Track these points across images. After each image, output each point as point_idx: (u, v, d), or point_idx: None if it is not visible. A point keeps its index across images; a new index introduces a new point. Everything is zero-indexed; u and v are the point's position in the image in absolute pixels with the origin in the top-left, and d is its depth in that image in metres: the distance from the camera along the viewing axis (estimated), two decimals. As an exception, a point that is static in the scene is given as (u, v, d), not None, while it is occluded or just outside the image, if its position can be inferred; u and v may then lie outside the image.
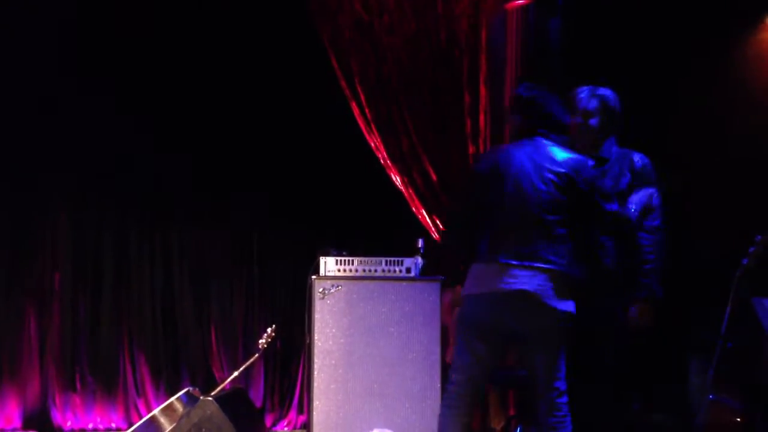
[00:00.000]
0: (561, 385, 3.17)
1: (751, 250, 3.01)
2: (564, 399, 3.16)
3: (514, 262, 3.17)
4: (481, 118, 5.49)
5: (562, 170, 3.21)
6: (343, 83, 5.52)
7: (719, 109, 4.49)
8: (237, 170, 5.62)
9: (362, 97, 5.51)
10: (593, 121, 3.63)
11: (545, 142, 3.30)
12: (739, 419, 2.75)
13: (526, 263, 3.15)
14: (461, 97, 5.51)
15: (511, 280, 3.15)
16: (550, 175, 3.20)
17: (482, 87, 5.50)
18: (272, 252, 5.70)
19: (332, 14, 5.56)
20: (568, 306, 3.15)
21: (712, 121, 4.38)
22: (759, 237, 3.03)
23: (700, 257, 4.16)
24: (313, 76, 5.60)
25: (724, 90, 4.62)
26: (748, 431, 2.81)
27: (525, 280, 3.14)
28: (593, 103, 3.63)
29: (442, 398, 3.42)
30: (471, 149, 5.49)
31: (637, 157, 3.64)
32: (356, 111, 5.51)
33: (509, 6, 5.38)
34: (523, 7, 5.30)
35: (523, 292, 3.13)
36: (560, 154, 3.26)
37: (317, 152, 5.63)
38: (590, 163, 3.35)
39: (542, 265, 3.14)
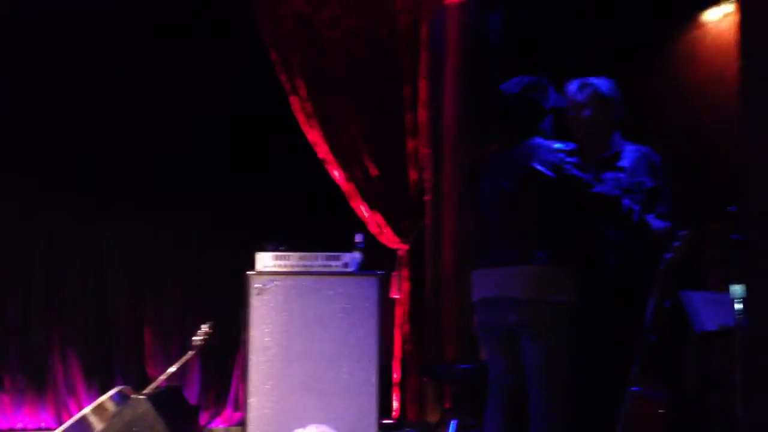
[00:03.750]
0: None
1: (675, 244, 3.06)
2: None
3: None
4: (421, 112, 5.49)
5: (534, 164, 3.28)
6: (282, 77, 5.47)
7: (652, 105, 4.56)
8: (173, 165, 5.53)
9: (302, 91, 5.46)
10: (586, 113, 3.61)
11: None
12: (661, 411, 2.79)
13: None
14: (401, 91, 5.51)
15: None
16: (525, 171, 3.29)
17: (422, 81, 5.50)
18: (209, 248, 5.63)
19: (272, 7, 5.51)
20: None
21: (645, 117, 4.43)
22: (682, 232, 3.08)
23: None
24: (252, 69, 5.53)
25: (657, 87, 4.68)
26: (670, 422, 2.86)
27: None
28: (583, 94, 3.61)
29: None
30: (411, 144, 5.49)
31: (653, 154, 3.61)
32: (296, 105, 5.46)
33: (449, 1, 5.38)
34: (462, 3, 5.31)
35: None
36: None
37: (255, 146, 5.57)
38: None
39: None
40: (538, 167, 3.27)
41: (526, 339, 3.25)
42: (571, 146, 3.34)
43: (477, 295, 3.43)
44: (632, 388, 2.84)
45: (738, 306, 2.69)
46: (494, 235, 3.36)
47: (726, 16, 4.41)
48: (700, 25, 4.63)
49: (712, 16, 4.57)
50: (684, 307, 3.51)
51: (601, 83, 3.62)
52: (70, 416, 5.00)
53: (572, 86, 3.63)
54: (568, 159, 3.29)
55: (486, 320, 3.40)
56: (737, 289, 2.72)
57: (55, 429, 4.70)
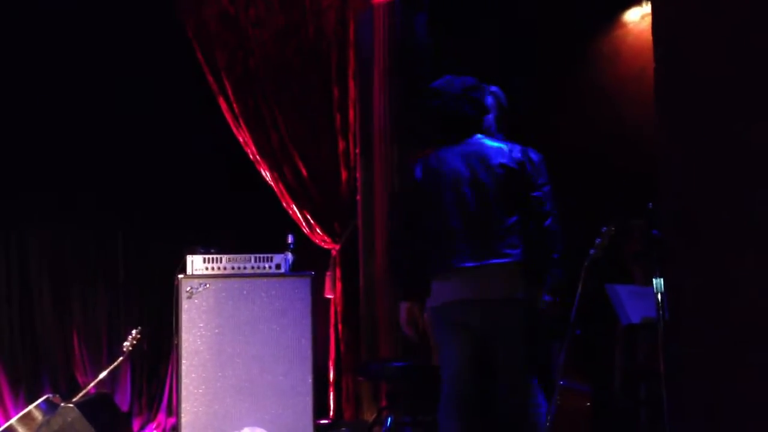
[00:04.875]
0: None
1: (598, 240, 3.13)
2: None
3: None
4: (351, 112, 5.50)
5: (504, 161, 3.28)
6: (209, 77, 5.42)
7: (575, 103, 4.66)
8: (100, 167, 5.43)
9: (229, 92, 5.43)
10: (489, 117, 3.68)
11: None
12: (588, 404, 2.85)
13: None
14: (330, 91, 5.51)
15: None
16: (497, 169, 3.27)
17: (351, 81, 5.51)
18: (138, 251, 5.55)
19: (197, 6, 5.45)
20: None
21: (568, 116, 4.53)
22: (604, 228, 3.15)
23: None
24: (178, 69, 5.47)
25: (580, 85, 4.78)
26: (597, 415, 2.93)
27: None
28: (489, 100, 3.68)
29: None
30: (341, 144, 5.49)
31: (533, 153, 3.68)
32: (224, 105, 5.43)
33: (376, 1, 5.40)
34: (389, 3, 5.33)
35: None
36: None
37: (185, 148, 5.51)
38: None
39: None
40: (507, 163, 3.28)
41: (501, 338, 3.20)
42: (514, 144, 3.39)
43: (449, 297, 3.29)
44: (559, 382, 2.90)
45: (659, 298, 2.78)
46: (461, 235, 3.26)
47: (645, 16, 4.55)
48: (622, 26, 4.76)
49: (632, 16, 4.70)
50: (610, 301, 3.61)
51: (500, 91, 3.74)
52: (-3, 427, 4.89)
53: (486, 90, 3.71)
54: (522, 155, 3.32)
55: (455, 319, 3.28)
56: (659, 283, 2.80)
57: (-20, 441, 4.57)
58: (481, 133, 3.41)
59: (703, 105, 2.06)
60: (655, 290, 2.81)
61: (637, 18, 4.65)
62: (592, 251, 3.12)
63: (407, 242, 3.35)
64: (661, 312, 2.74)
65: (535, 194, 3.28)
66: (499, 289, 3.19)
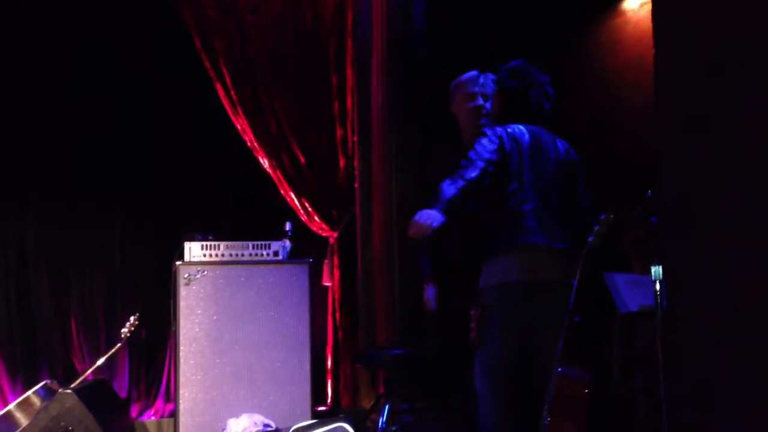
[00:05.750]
0: None
1: (596, 228, 3.13)
2: None
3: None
4: (349, 99, 5.49)
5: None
6: (207, 64, 5.40)
7: (575, 92, 4.65)
8: (97, 154, 5.43)
9: (227, 79, 5.41)
10: (489, 105, 3.68)
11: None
12: (586, 391, 2.87)
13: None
14: (329, 78, 5.50)
15: None
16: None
17: (349, 68, 5.50)
18: (136, 238, 5.55)
19: (194, -7, 5.43)
20: None
21: (567, 104, 4.52)
22: (603, 216, 3.15)
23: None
24: (176, 56, 5.44)
25: (580, 74, 4.78)
26: (595, 402, 2.94)
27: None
28: (492, 87, 3.68)
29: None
30: (339, 131, 5.49)
31: None
32: (221, 92, 5.41)
33: (374, -12, 5.38)
34: (387, -10, 5.31)
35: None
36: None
37: (182, 135, 5.50)
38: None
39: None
40: (574, 160, 3.43)
41: (555, 320, 3.16)
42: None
43: (516, 277, 3.26)
44: (557, 369, 2.91)
45: (657, 287, 2.78)
46: (539, 215, 3.29)
47: (644, 4, 4.53)
48: (621, 14, 4.74)
49: (631, 4, 4.68)
50: (608, 289, 3.61)
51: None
52: (-5, 413, 4.89)
53: (484, 78, 3.69)
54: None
55: (517, 303, 3.24)
56: (657, 271, 2.80)
57: (-21, 427, 4.58)
58: (545, 128, 3.47)
59: (703, 93, 2.07)
60: (653, 278, 2.81)
61: (636, 6, 4.63)
62: (590, 239, 3.12)
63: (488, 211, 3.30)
64: (659, 300, 2.75)
65: (585, 191, 3.47)
66: (564, 272, 3.23)
